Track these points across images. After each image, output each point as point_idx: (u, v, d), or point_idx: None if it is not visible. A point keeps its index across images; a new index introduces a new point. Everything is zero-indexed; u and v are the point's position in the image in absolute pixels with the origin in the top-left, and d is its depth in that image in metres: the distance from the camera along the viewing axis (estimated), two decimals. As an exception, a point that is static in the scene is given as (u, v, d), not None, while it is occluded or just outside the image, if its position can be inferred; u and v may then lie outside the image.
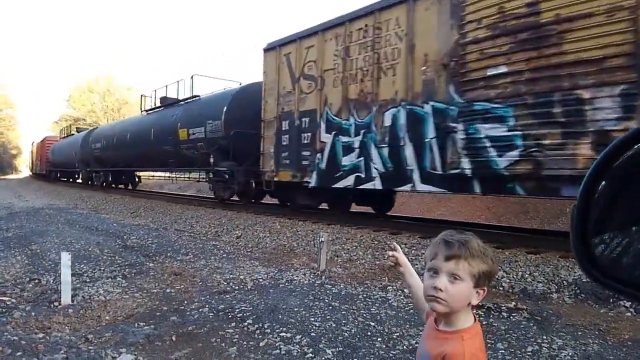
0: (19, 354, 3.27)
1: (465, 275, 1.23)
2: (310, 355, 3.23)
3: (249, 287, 5.16)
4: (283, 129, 10.95)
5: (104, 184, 24.77)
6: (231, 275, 5.67)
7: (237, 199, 14.23)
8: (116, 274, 5.79)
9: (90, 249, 7.32)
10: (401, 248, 6.10)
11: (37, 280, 5.41)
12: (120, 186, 25.52)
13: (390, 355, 3.25)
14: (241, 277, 5.60)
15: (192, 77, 16.29)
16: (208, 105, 14.34)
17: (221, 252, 7.37)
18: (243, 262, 6.55)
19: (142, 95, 20.72)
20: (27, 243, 7.79)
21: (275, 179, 11.18)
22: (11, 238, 8.42)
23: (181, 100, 16.82)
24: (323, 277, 5.58)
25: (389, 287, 5.11)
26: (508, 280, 5.35)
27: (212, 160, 13.41)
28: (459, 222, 10.02)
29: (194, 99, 15.99)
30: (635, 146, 0.76)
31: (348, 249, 7.34)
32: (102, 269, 6.04)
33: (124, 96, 65.06)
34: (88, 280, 5.44)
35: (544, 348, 3.39)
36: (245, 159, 12.46)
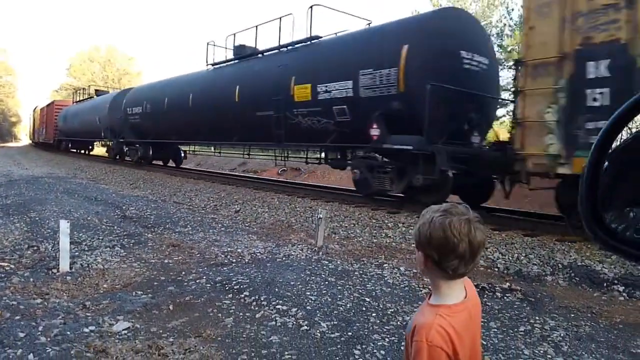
0: (17, 317, 3.31)
1: (417, 244, 1.26)
2: (306, 327, 3.27)
3: (247, 260, 5.19)
4: (589, 76, 6.07)
5: (141, 160, 19.58)
6: (229, 249, 5.71)
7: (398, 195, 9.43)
8: (115, 243, 5.82)
9: (89, 218, 7.35)
10: (399, 227, 6.10)
11: (35, 247, 5.44)
12: (157, 162, 20.53)
13: (384, 330, 3.29)
14: (239, 250, 5.63)
15: (311, 7, 11.16)
16: (363, 46, 9.44)
17: (219, 225, 7.40)
18: (241, 236, 6.58)
19: (207, 44, 15.18)
20: (26, 210, 7.81)
21: (563, 170, 6.30)
22: (10, 205, 8.43)
23: (287, 45, 11.83)
24: (320, 253, 5.62)
25: (385, 265, 5.15)
26: (503, 262, 5.39)
27: (376, 132, 8.71)
28: (457, 203, 10.02)
29: (313, 41, 11.09)
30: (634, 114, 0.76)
31: (346, 226, 7.38)
32: (100, 238, 6.08)
33: (124, 66, 64.45)
34: (86, 248, 5.47)
35: (536, 328, 3.44)
36: (440, 133, 7.83)
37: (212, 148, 19.97)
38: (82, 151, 32.80)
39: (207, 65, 15.24)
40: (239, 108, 12.31)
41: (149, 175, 15.80)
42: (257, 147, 15.42)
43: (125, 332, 3.14)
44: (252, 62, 12.99)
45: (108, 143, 24.35)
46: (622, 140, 0.81)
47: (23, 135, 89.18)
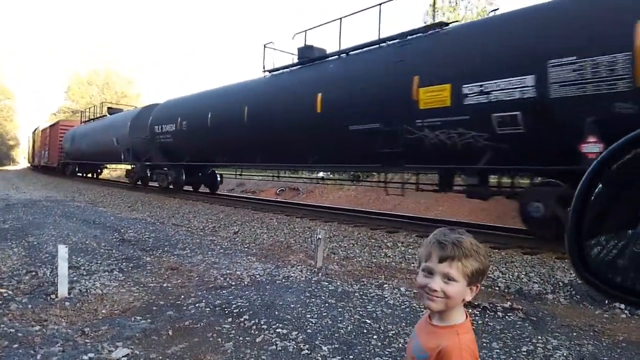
0: (15, 346, 3.27)
1: (458, 275, 1.26)
2: (307, 351, 3.24)
3: (246, 282, 5.17)
4: None
5: (170, 186, 17.02)
6: (228, 271, 5.68)
7: None
8: (113, 267, 5.79)
9: (87, 242, 7.32)
10: (398, 247, 6.10)
11: (33, 273, 5.41)
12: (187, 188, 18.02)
13: (386, 352, 3.26)
14: (238, 272, 5.61)
15: None
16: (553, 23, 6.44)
17: (218, 247, 7.37)
18: (240, 258, 6.55)
19: (265, 46, 12.78)
20: (24, 235, 7.78)
21: None
22: (8, 230, 8.40)
23: (400, 36, 8.99)
24: (320, 274, 5.59)
25: (385, 285, 5.13)
26: (504, 281, 5.37)
27: (595, 148, 5.83)
28: (456, 222, 10.02)
29: (442, 28, 8.51)
30: (633, 151, 0.77)
31: (345, 246, 7.36)
32: (99, 262, 6.05)
33: (123, 89, 64.87)
34: (85, 273, 5.44)
35: (539, 348, 3.42)
36: None
37: (269, 170, 16.11)
38: (89, 175, 30.36)
39: (263, 71, 12.78)
40: (321, 121, 9.62)
41: (147, 197, 15.78)
42: (351, 169, 12.14)
43: (125, 358, 3.11)
44: (340, 63, 10.32)
45: (130, 166, 21.23)
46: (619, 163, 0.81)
47: (21, 159, 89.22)
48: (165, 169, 17.37)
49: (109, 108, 28.01)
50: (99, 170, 30.14)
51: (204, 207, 12.65)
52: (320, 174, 17.90)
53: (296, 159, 11.16)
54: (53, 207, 12.29)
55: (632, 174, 0.80)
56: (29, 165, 53.28)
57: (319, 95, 9.72)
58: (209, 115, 13.58)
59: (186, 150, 15.53)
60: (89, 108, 31.35)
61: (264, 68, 12.74)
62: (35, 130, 46.26)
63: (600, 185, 0.80)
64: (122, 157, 19.92)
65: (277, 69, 12.33)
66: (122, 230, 8.76)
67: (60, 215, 10.76)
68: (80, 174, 30.42)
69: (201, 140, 14.33)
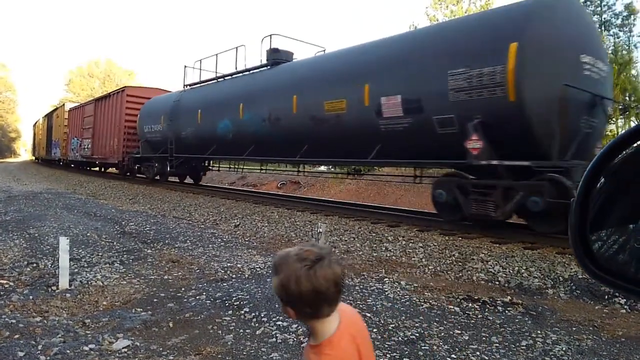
0: (16, 336, 3.29)
1: (281, 299, 1.24)
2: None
3: (247, 275, 5.18)
4: None
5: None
6: (229, 264, 5.69)
7: None
8: (114, 259, 5.81)
9: (88, 234, 7.34)
10: (399, 241, 6.10)
11: (35, 264, 5.42)
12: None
13: (386, 346, 3.27)
14: (239, 265, 5.62)
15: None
16: None
17: (219, 240, 7.39)
18: (241, 251, 6.57)
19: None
20: (25, 227, 7.80)
21: None
22: (9, 222, 8.42)
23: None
24: (320, 268, 5.59)
25: (385, 279, 5.14)
26: (504, 275, 5.38)
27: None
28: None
29: None
30: (634, 144, 0.77)
31: (346, 240, 7.37)
32: (100, 254, 6.06)
33: (124, 81, 64.84)
34: (86, 265, 5.45)
35: (538, 342, 3.42)
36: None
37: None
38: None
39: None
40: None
41: (148, 190, 15.79)
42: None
43: (125, 350, 3.13)
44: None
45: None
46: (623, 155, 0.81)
47: (22, 151, 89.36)
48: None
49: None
50: (205, 165, 18.22)
51: (205, 200, 12.66)
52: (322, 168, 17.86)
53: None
54: (54, 200, 12.31)
55: (634, 168, 0.79)
56: (34, 158, 49.17)
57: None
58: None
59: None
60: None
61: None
62: (36, 123, 43.31)
63: (603, 179, 0.80)
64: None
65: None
66: (123, 223, 8.78)
67: (61, 207, 10.78)
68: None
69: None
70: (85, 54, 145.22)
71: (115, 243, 6.85)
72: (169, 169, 16.72)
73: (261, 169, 16.05)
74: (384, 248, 6.76)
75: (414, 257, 6.31)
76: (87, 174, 25.30)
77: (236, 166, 16.05)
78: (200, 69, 15.96)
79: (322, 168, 17.98)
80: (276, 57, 12.44)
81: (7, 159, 71.19)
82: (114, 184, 18.51)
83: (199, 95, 15.04)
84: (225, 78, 14.44)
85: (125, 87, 20.65)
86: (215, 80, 14.86)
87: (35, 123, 44.96)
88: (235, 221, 9.42)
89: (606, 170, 0.80)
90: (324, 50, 12.63)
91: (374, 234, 7.61)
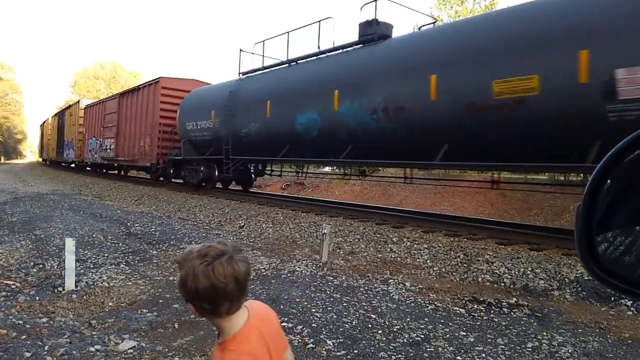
0: (23, 337, 3.31)
1: (182, 294, 1.24)
2: (312, 345, 3.26)
3: (251, 277, 5.18)
4: None
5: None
6: (234, 265, 5.69)
7: None
8: (120, 260, 5.83)
9: (94, 236, 7.37)
10: (404, 242, 6.08)
11: (41, 265, 5.45)
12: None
13: (391, 347, 3.27)
14: (244, 266, 5.62)
15: None
16: None
17: (224, 241, 7.38)
18: (246, 252, 6.56)
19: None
20: (31, 228, 7.84)
21: None
22: (15, 223, 8.47)
23: None
24: (325, 269, 5.61)
25: (390, 280, 5.13)
26: (510, 277, 5.36)
27: None
28: (462, 217, 10.01)
29: None
30: None
31: (350, 241, 7.36)
32: (105, 255, 6.08)
33: (129, 83, 65.14)
34: (92, 266, 5.48)
35: (544, 344, 3.41)
36: None
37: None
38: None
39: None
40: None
41: (154, 192, 15.84)
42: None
43: (131, 351, 3.14)
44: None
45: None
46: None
47: (28, 152, 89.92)
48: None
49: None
50: (262, 169, 16.05)
51: (210, 201, 12.69)
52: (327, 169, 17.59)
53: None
54: (60, 201, 12.36)
55: None
56: (41, 160, 48.52)
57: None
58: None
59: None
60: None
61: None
62: (44, 122, 41.66)
63: (609, 181, 0.80)
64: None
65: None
66: (129, 224, 8.81)
67: (67, 208, 10.83)
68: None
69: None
70: (91, 56, 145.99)
71: (120, 244, 6.88)
72: (223, 173, 13.76)
73: (348, 174, 13.71)
74: (388, 249, 6.76)
75: (418, 258, 6.30)
76: (92, 175, 25.38)
77: (301, 170, 14.11)
78: (264, 54, 13.18)
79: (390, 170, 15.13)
80: (376, 31, 9.62)
81: (13, 160, 71.63)
82: (120, 185, 18.58)
83: (267, 83, 12.20)
84: (307, 60, 11.37)
85: (159, 77, 17.03)
86: (288, 65, 11.92)
87: (43, 123, 43.46)
88: (240, 222, 9.43)
89: (613, 172, 0.80)
90: (434, 23, 10.52)
91: (378, 235, 7.60)
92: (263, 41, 13.14)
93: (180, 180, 16.75)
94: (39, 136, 48.85)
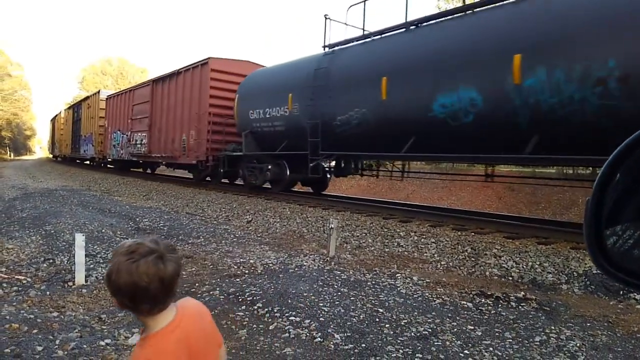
0: (35, 331, 3.36)
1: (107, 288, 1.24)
2: (319, 339, 3.27)
3: (259, 271, 5.21)
4: None
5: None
6: (241, 260, 5.73)
7: None
8: (129, 255, 5.87)
9: (103, 231, 7.43)
10: (411, 236, 6.08)
11: (51, 260, 5.51)
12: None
13: (398, 341, 3.28)
14: (251, 261, 5.65)
15: None
16: None
17: (232, 236, 7.43)
18: (253, 247, 6.60)
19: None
20: (41, 223, 7.92)
21: None
22: (26, 218, 8.56)
23: None
24: (332, 263, 5.62)
25: (397, 275, 5.14)
26: (517, 270, 5.35)
27: None
28: (470, 212, 9.99)
29: None
30: None
31: (357, 235, 7.37)
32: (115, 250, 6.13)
33: (137, 79, 65.38)
34: (101, 261, 5.53)
35: (552, 338, 3.41)
36: None
37: None
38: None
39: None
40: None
41: (162, 187, 15.92)
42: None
43: (141, 344, 3.17)
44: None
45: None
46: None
47: (37, 149, 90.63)
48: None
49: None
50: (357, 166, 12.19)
51: (218, 196, 12.73)
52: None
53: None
54: (69, 196, 12.47)
55: None
56: (51, 156, 47.59)
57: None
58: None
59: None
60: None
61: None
62: (56, 116, 39.71)
63: (619, 175, 0.80)
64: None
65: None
66: (137, 219, 8.87)
67: (76, 204, 10.92)
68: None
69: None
70: (98, 52, 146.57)
71: (129, 239, 6.92)
72: (308, 173, 10.69)
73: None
74: (395, 243, 6.76)
75: (426, 252, 6.30)
76: (101, 171, 25.52)
77: (401, 169, 11.21)
78: (364, 19, 10.70)
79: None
80: None
81: (23, 156, 72.23)
82: (128, 181, 18.69)
83: (378, 55, 9.20)
84: (448, 19, 8.39)
85: (208, 58, 14.26)
86: (408, 29, 8.98)
87: (55, 117, 41.36)
88: (248, 217, 9.47)
89: (623, 166, 0.80)
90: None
91: (385, 230, 7.60)
92: (364, 1, 9.81)
93: (226, 181, 15.14)
94: (49, 131, 47.43)
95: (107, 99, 23.60)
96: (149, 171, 22.06)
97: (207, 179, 15.65)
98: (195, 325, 1.30)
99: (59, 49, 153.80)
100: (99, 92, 25.68)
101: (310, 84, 10.18)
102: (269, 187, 13.26)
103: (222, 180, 15.02)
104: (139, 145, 18.67)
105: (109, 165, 24.92)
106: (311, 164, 10.32)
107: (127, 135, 20.03)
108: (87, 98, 28.17)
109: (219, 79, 14.03)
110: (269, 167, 12.20)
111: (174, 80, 15.95)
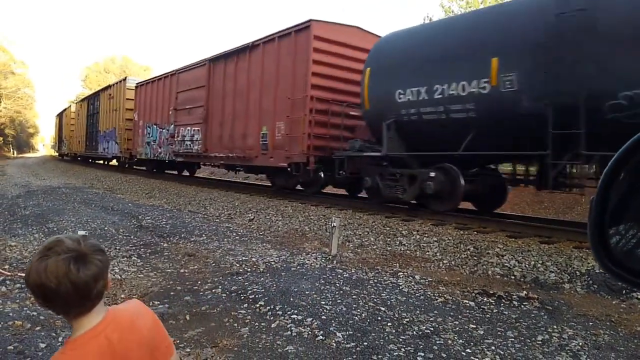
0: (37, 328, 3.37)
1: None
2: (321, 337, 3.28)
3: (261, 269, 5.22)
4: None
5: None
6: (244, 258, 5.74)
7: None
8: (131, 253, 5.89)
9: (106, 228, 7.45)
10: (413, 235, 6.09)
11: (54, 258, 5.52)
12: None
13: (400, 339, 3.28)
14: (253, 259, 5.66)
15: None
16: None
17: (234, 234, 7.44)
18: (255, 245, 6.61)
19: None
20: (44, 221, 7.94)
21: None
22: (29, 216, 8.58)
23: None
24: (334, 262, 5.62)
25: (399, 273, 5.14)
26: (520, 270, 5.34)
27: None
28: (472, 211, 9.96)
29: None
30: None
31: (360, 234, 7.37)
32: (117, 248, 6.15)
33: (140, 77, 65.46)
34: (104, 258, 5.53)
35: (554, 337, 3.40)
36: None
37: None
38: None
39: None
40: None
41: (164, 185, 15.94)
42: None
43: (143, 342, 3.17)
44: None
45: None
46: None
47: (40, 146, 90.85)
48: None
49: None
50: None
51: (220, 194, 12.75)
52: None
53: None
54: (72, 194, 12.51)
55: None
56: (57, 154, 44.75)
57: None
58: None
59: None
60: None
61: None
62: (63, 111, 36.74)
63: (623, 174, 0.80)
64: None
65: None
66: (140, 217, 8.89)
67: (79, 202, 10.95)
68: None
69: None
70: (101, 50, 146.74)
71: (132, 237, 6.94)
72: (552, 184, 6.70)
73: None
74: (398, 242, 6.76)
75: (428, 251, 6.30)
76: (104, 169, 25.55)
77: None
78: None
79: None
80: None
81: (26, 154, 72.42)
82: (131, 179, 18.72)
83: None
84: None
85: (309, 20, 10.45)
86: None
87: (62, 112, 38.05)
88: (250, 215, 9.47)
89: (628, 165, 0.80)
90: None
91: (388, 228, 7.60)
92: None
93: (339, 191, 11.33)
94: (55, 127, 43.60)
95: (137, 86, 19.92)
96: (186, 173, 18.52)
97: (297, 186, 11.97)
98: (124, 331, 1.18)
99: (62, 47, 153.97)
100: (125, 79, 22.10)
101: (548, 40, 6.38)
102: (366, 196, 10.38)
103: (322, 190, 11.42)
104: (188, 143, 15.12)
105: (135, 167, 20.90)
106: (554, 170, 6.61)
107: (168, 130, 16.57)
108: (107, 87, 24.28)
109: (325, 51, 10.41)
110: (431, 175, 8.13)
111: (246, 56, 12.38)
